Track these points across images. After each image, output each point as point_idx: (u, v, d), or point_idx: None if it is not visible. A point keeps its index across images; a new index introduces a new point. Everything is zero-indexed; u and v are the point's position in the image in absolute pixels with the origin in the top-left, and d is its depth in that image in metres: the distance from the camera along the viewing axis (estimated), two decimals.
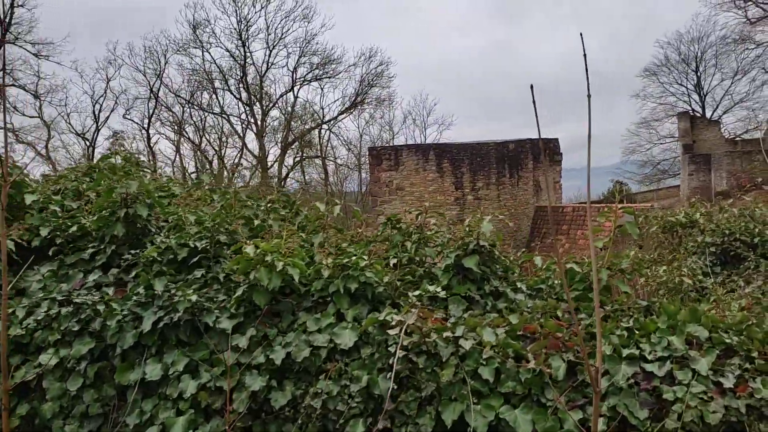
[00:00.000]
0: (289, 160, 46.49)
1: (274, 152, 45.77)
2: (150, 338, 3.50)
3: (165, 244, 4.04)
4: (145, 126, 41.56)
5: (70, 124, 39.09)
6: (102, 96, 39.90)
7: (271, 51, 43.37)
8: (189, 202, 4.75)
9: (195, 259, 4.04)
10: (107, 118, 40.50)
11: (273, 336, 3.43)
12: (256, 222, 4.45)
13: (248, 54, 43.17)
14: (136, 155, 5.95)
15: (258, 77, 44.02)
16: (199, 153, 43.93)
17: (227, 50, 42.94)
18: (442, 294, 3.47)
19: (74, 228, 4.34)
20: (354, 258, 3.56)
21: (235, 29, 42.39)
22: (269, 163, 44.96)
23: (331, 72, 45.11)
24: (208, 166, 44.36)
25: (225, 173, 44.85)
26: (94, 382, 3.48)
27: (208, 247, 4.09)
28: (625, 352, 2.95)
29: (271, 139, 45.75)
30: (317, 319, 3.41)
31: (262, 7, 42.36)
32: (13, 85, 36.22)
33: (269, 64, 43.76)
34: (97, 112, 39.79)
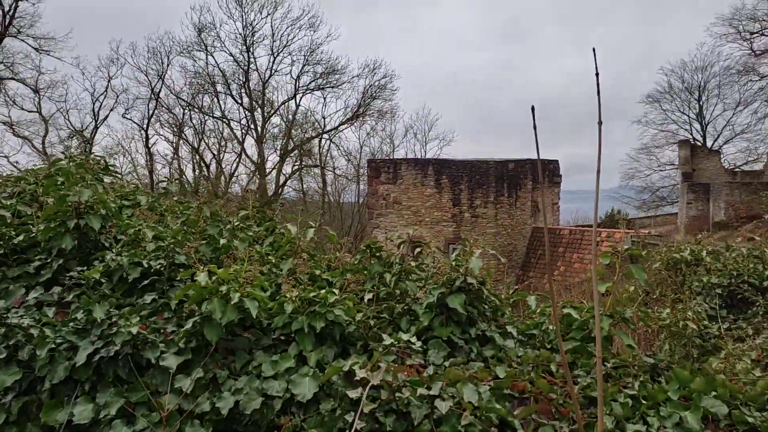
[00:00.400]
0: (287, 168, 46.18)
1: (272, 159, 45.47)
2: (84, 372, 3.01)
3: (115, 262, 3.61)
4: (144, 126, 41.24)
5: (68, 120, 38.77)
6: (102, 94, 39.60)
7: (275, 58, 43.20)
8: (148, 215, 4.31)
9: (146, 282, 3.60)
10: (106, 116, 40.19)
11: (223, 379, 2.96)
12: (222, 241, 4.02)
13: (252, 59, 42.98)
14: (102, 158, 5.50)
15: (261, 83, 43.79)
16: (197, 156, 43.55)
17: (231, 55, 42.77)
18: (417, 345, 3.01)
19: (21, 237, 3.90)
20: (322, 292, 3.13)
21: (240, 34, 42.23)
22: (267, 170, 44.60)
23: (335, 82, 44.94)
24: (205, 170, 43.99)
25: (222, 178, 44.48)
26: (18, 419, 2.99)
27: (163, 269, 3.66)
28: (631, 428, 2.50)
29: (271, 146, 45.45)
30: (275, 362, 2.95)
31: (269, 14, 42.28)
32: (12, 78, 35.89)
33: (273, 71, 43.57)
34: (96, 110, 39.48)
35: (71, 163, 4.51)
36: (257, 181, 44.08)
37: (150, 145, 41.65)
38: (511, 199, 30.93)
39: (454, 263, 3.52)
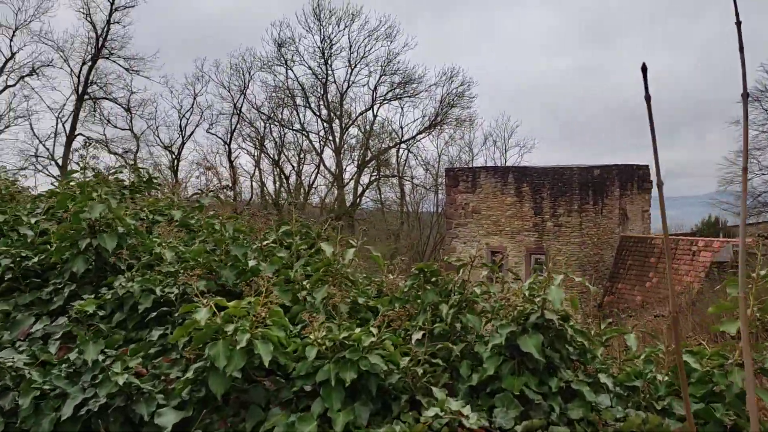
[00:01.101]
0: (365, 179, 46.09)
1: (350, 170, 45.51)
2: (71, 427, 2.51)
3: (125, 289, 3.11)
4: (227, 141, 42.31)
5: (158, 137, 40.30)
6: (189, 110, 40.94)
7: (352, 69, 43.33)
8: (173, 232, 3.83)
9: (154, 314, 3.07)
10: (192, 132, 41.52)
11: None
12: (251, 263, 3.49)
13: (330, 72, 43.30)
14: (145, 169, 5.14)
15: (338, 95, 44.03)
16: (277, 168, 44.22)
17: (310, 68, 43.22)
18: (473, 421, 2.24)
19: (35, 259, 3.49)
20: (357, 332, 2.46)
21: (318, 47, 42.63)
22: (345, 181, 44.68)
23: (412, 91, 44.54)
24: (285, 182, 44.60)
25: (302, 190, 44.95)
26: None
27: (175, 298, 3.12)
28: None
29: (349, 157, 45.52)
30: (291, 424, 2.30)
31: (346, 26, 42.40)
32: (106, 98, 37.67)
33: (350, 83, 43.71)
34: (183, 126, 40.87)
35: (86, 175, 4.10)
36: (335, 192, 44.25)
37: (233, 159, 42.66)
38: (597, 207, 29.27)
39: (527, 292, 2.77)
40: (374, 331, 2.51)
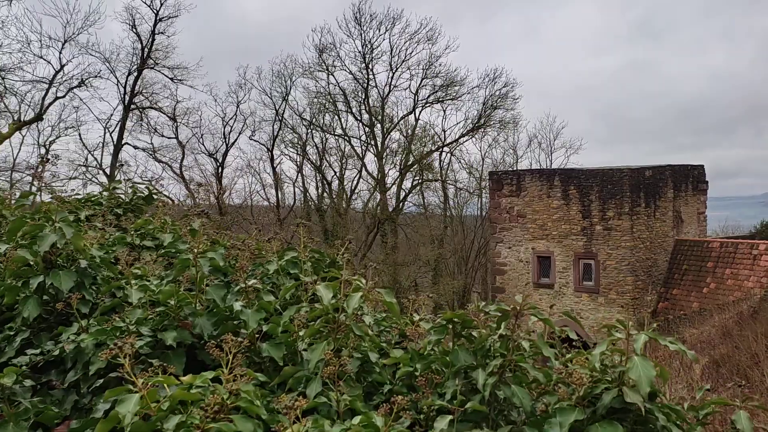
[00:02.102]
0: (407, 183, 45.47)
1: (392, 175, 44.94)
2: None
3: (74, 345, 2.47)
4: (270, 147, 42.28)
5: (203, 144, 40.58)
6: (232, 118, 41.09)
7: (393, 73, 42.83)
8: (158, 262, 3.21)
9: (102, 381, 2.37)
10: (236, 139, 41.69)
11: None
12: (237, 305, 2.77)
13: (371, 76, 42.86)
14: (146, 183, 4.60)
15: (380, 99, 43.55)
16: (319, 174, 43.99)
17: (351, 73, 42.90)
18: None
19: None
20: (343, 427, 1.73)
21: (359, 52, 42.28)
22: (387, 186, 44.11)
23: (454, 94, 43.80)
24: (327, 188, 44.28)
25: (344, 195, 44.59)
26: None
27: (127, 360, 2.40)
28: None
29: (391, 162, 44.95)
30: None
31: (387, 30, 41.92)
32: (152, 107, 38.11)
33: (391, 86, 43.22)
34: (227, 134, 41.03)
35: (39, 197, 3.50)
36: (378, 196, 43.72)
37: (275, 165, 42.61)
38: (649, 209, 27.88)
39: (599, 363, 2.00)
40: (379, 423, 1.79)
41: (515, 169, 44.84)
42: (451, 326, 2.60)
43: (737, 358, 12.71)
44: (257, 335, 2.73)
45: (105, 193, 4.75)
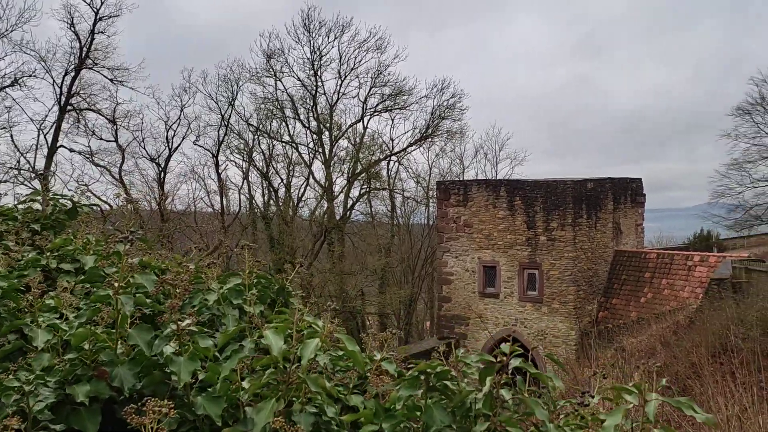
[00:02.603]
0: (355, 192, 45.53)
1: (340, 183, 44.92)
2: None
3: None
4: (215, 153, 41.58)
5: (144, 148, 39.47)
6: (176, 122, 40.19)
7: (342, 81, 42.91)
8: (78, 291, 2.82)
9: None
10: (179, 144, 40.75)
11: None
12: (167, 349, 2.30)
13: (320, 83, 42.82)
14: (66, 197, 4.11)
15: (328, 106, 43.53)
16: (265, 181, 43.52)
17: (299, 79, 42.75)
18: None
19: None
20: None
21: (308, 59, 42.18)
22: (335, 194, 44.04)
23: (402, 103, 44.20)
24: (273, 195, 43.84)
25: (291, 203, 44.24)
26: None
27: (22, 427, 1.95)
28: None
29: (338, 170, 44.93)
30: None
31: (336, 38, 42.00)
32: (90, 109, 36.85)
33: (340, 94, 43.29)
34: (170, 138, 40.08)
35: None
36: (325, 204, 43.59)
37: (220, 171, 41.91)
38: (591, 220, 28.79)
39: None
40: None
41: (462, 179, 45.58)
42: (423, 378, 2.28)
43: (676, 367, 13.22)
44: (192, 383, 2.31)
45: (21, 206, 4.25)
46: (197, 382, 2.29)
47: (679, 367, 13.58)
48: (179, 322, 2.28)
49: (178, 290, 2.56)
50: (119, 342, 2.45)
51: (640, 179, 33.32)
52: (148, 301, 2.61)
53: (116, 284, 2.41)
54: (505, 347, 2.22)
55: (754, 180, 53.92)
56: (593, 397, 1.99)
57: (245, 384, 2.19)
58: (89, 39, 34.34)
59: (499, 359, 2.20)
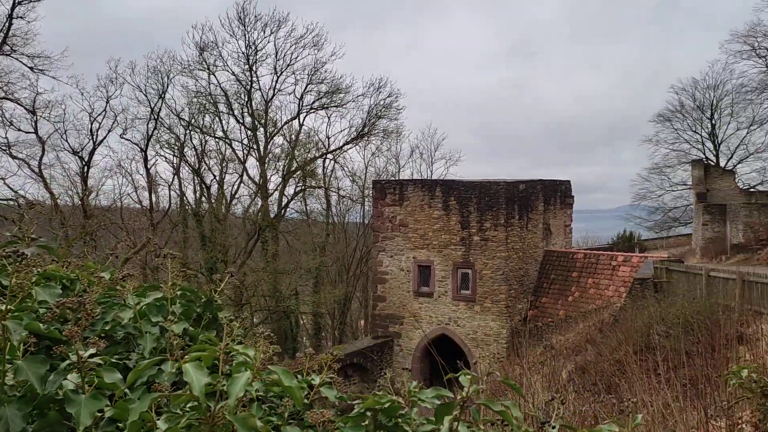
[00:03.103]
0: (290, 190, 44.90)
1: (275, 180, 44.19)
2: None
3: None
4: (143, 147, 40.02)
5: (66, 141, 37.46)
6: (101, 114, 38.39)
7: (278, 77, 42.19)
8: None
9: None
10: (105, 137, 38.96)
11: None
12: (68, 383, 1.94)
13: (255, 79, 41.96)
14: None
15: (263, 103, 42.72)
16: (197, 177, 42.28)
17: (233, 74, 41.73)
18: None
19: None
20: None
21: (243, 53, 41.23)
22: (269, 192, 43.28)
23: (339, 101, 43.91)
24: (205, 192, 42.67)
25: (224, 200, 43.18)
26: None
27: None
28: None
29: (273, 167, 44.19)
30: None
31: (272, 32, 41.25)
32: (7, 98, 34.73)
33: (276, 90, 42.55)
34: (95, 131, 38.26)
35: None
36: (259, 202, 42.79)
37: (149, 166, 40.38)
38: (522, 221, 29.47)
39: None
40: None
41: (398, 178, 45.76)
42: (371, 416, 2.03)
43: (601, 364, 13.59)
44: (97, 422, 1.96)
45: None
46: (103, 420, 1.98)
47: (605, 364, 13.96)
48: (81, 352, 1.95)
49: (81, 314, 2.16)
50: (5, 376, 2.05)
51: (568, 181, 34.35)
52: (42, 326, 2.19)
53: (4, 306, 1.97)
54: (465, 380, 1.99)
55: (672, 184, 56.89)
56: (554, 427, 1.88)
57: (161, 424, 1.87)
58: (7, 23, 32.36)
59: (458, 397, 1.96)
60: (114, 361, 2.14)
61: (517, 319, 28.84)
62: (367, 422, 1.90)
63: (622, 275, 27.73)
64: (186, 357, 1.82)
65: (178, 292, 2.60)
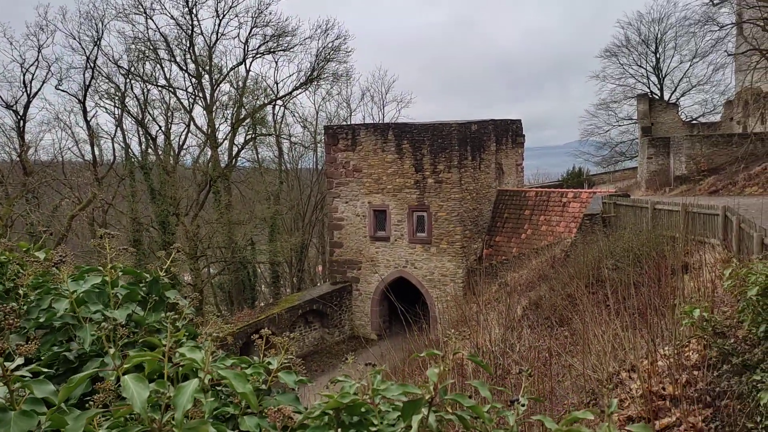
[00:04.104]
0: (240, 138, 43.86)
1: (224, 129, 43.01)
2: None
3: None
4: (81, 98, 38.18)
5: None
6: (33, 64, 36.28)
7: (220, 20, 40.46)
8: None
9: None
10: (39, 89, 36.98)
11: None
12: None
13: (196, 22, 40.14)
14: None
15: (207, 48, 41.06)
16: (141, 129, 40.76)
17: (173, 18, 39.81)
18: None
19: None
20: None
21: None
22: (219, 141, 42.18)
23: (285, 45, 42.58)
24: (151, 143, 41.27)
25: (171, 151, 41.91)
26: None
27: None
28: None
29: (221, 116, 42.92)
30: None
31: None
32: None
33: (219, 35, 40.86)
34: (28, 82, 36.23)
35: None
36: (209, 152, 41.71)
37: (89, 118, 38.67)
38: (475, 162, 29.63)
39: None
40: None
41: (349, 123, 45.17)
42: (334, 416, 1.85)
43: (554, 299, 13.96)
44: None
45: None
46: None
47: (557, 299, 14.36)
48: (7, 364, 1.71)
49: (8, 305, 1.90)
50: None
51: (519, 120, 34.55)
52: None
53: None
54: (433, 374, 1.81)
55: (619, 119, 57.99)
56: (523, 405, 1.82)
57: None
58: None
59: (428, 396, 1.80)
60: (54, 351, 1.98)
61: (472, 258, 29.37)
62: (328, 418, 1.78)
63: (572, 211, 28.38)
64: (126, 363, 1.65)
65: (120, 274, 2.39)
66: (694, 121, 48.49)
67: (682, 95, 55.49)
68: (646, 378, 6.19)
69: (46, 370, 1.90)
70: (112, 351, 1.77)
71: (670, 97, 54.21)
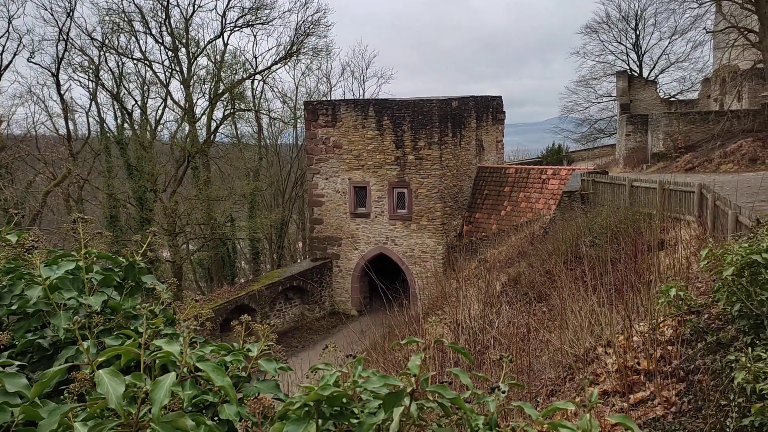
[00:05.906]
0: (218, 113, 43.25)
1: (202, 104, 42.36)
2: None
3: None
4: (54, 71, 37.29)
5: None
6: (4, 36, 35.31)
7: None
8: None
9: None
10: (10, 61, 36.02)
11: None
12: None
13: None
14: None
15: (183, 20, 40.24)
16: (117, 102, 39.99)
17: None
18: None
19: None
20: None
21: None
22: (197, 116, 41.56)
23: (264, 18, 41.91)
24: (127, 118, 40.55)
25: (148, 126, 41.23)
26: None
27: None
28: None
29: (199, 90, 42.23)
30: None
31: None
32: None
33: (196, 6, 40.05)
34: None
35: None
36: (186, 127, 41.13)
37: (63, 92, 37.83)
38: (456, 138, 29.60)
39: None
40: None
41: (330, 98, 44.77)
42: (314, 408, 1.78)
43: (532, 275, 14.07)
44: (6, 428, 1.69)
45: None
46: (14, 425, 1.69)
47: (536, 275, 14.49)
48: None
49: None
50: None
51: (500, 97, 34.50)
52: None
53: None
54: (414, 365, 1.78)
55: (598, 96, 58.24)
56: (504, 392, 1.83)
57: (80, 426, 1.63)
58: None
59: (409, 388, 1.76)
60: (28, 339, 1.93)
61: (452, 235, 29.50)
62: (309, 410, 1.73)
63: (552, 188, 28.54)
64: (100, 356, 1.61)
65: (94, 259, 2.33)
66: (672, 99, 48.91)
67: (661, 72, 55.87)
68: (622, 353, 6.31)
69: (18, 362, 1.85)
70: (86, 345, 1.73)
71: (649, 74, 54.53)
